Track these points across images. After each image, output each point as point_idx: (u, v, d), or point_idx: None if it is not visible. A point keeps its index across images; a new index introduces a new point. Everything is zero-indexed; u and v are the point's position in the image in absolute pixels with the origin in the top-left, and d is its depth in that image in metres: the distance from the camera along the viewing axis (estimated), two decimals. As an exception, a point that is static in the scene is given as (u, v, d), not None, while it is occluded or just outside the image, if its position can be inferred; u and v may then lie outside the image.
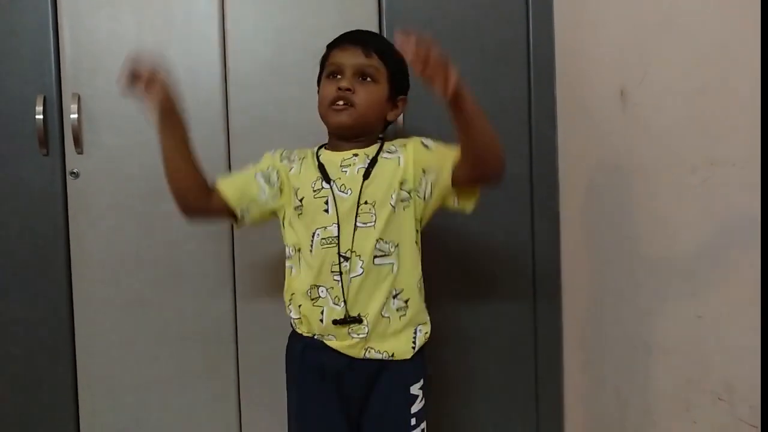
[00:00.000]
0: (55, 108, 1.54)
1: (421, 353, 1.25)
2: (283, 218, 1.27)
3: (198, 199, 1.23)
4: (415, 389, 1.24)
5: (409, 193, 1.22)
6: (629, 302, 1.37)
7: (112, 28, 1.56)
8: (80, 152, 1.55)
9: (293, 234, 1.24)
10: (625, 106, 1.34)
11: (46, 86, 1.54)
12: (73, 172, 1.56)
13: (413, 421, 1.23)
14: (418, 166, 1.22)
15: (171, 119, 1.17)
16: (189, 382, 1.62)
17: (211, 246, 1.60)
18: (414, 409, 1.23)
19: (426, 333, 1.26)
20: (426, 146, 1.25)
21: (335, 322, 1.19)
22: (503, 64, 1.65)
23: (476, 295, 1.67)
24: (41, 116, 1.52)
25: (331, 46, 1.28)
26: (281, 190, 1.25)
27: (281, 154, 1.29)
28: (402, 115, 1.56)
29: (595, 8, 1.48)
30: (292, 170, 1.26)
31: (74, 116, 1.53)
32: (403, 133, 1.58)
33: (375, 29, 1.60)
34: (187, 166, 1.21)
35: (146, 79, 1.13)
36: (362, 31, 1.31)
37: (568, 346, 1.68)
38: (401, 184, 1.22)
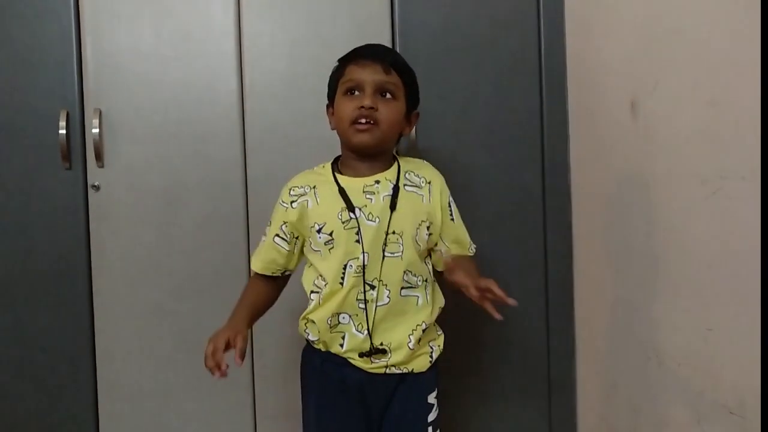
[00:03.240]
0: (78, 123, 1.58)
1: (435, 364, 1.27)
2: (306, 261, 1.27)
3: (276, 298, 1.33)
4: (431, 398, 1.26)
5: (429, 236, 1.24)
6: (641, 313, 1.37)
7: (132, 43, 1.60)
8: (101, 166, 1.59)
9: (322, 268, 1.21)
10: (635, 117, 1.35)
11: (68, 102, 1.58)
12: (94, 185, 1.60)
13: (430, 430, 1.25)
14: (441, 228, 1.25)
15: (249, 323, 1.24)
16: (206, 389, 1.65)
17: (228, 256, 1.63)
18: (430, 417, 1.25)
19: (440, 346, 1.28)
20: (452, 217, 1.27)
21: (361, 355, 1.20)
22: (515, 75, 1.66)
23: (489, 304, 1.68)
24: (64, 131, 1.56)
25: (346, 61, 1.23)
26: (297, 243, 1.25)
27: (289, 194, 1.24)
28: (414, 128, 1.59)
29: (605, 20, 1.48)
30: (309, 205, 1.21)
31: (95, 131, 1.57)
32: (416, 148, 1.60)
33: (388, 42, 1.62)
34: (265, 308, 1.30)
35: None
36: (376, 45, 1.28)
37: (581, 355, 1.68)
38: (428, 227, 1.23)
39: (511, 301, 1.07)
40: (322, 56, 1.60)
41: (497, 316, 1.09)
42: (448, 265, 1.17)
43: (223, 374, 1.10)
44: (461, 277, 1.12)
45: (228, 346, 1.13)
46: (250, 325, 1.24)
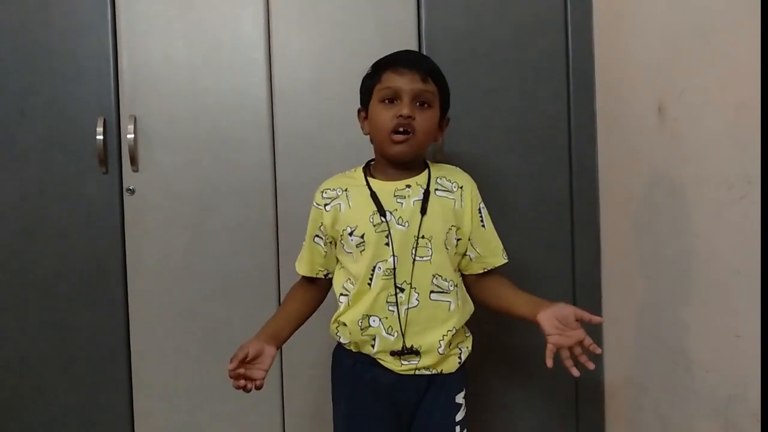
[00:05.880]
0: (114, 129, 1.63)
1: (463, 365, 1.28)
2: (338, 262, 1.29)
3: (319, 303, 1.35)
4: (459, 398, 1.27)
5: (459, 241, 1.25)
6: (670, 318, 1.36)
7: (165, 54, 1.64)
8: (136, 170, 1.64)
9: (353, 270, 1.23)
10: (663, 121, 1.34)
11: (105, 109, 1.63)
12: (129, 189, 1.65)
13: (458, 429, 1.26)
14: (471, 234, 1.25)
15: (278, 339, 1.26)
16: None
17: (258, 259, 1.66)
18: (458, 417, 1.26)
19: (468, 347, 1.29)
20: (482, 223, 1.27)
21: (393, 353, 1.21)
22: (542, 79, 1.66)
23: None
24: (101, 137, 1.61)
25: (383, 68, 1.21)
26: (332, 245, 1.27)
27: (322, 196, 1.26)
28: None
29: (633, 24, 1.48)
30: (342, 208, 1.23)
31: (131, 136, 1.62)
32: (443, 152, 1.61)
33: (414, 47, 1.63)
34: (304, 319, 1.32)
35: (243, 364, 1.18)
36: (413, 52, 1.29)
37: (609, 361, 1.67)
38: (457, 230, 1.23)
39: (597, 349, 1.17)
40: (349, 63, 1.63)
41: (575, 372, 1.17)
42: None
43: (243, 384, 1.18)
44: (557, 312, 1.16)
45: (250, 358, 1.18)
46: (278, 335, 1.26)
